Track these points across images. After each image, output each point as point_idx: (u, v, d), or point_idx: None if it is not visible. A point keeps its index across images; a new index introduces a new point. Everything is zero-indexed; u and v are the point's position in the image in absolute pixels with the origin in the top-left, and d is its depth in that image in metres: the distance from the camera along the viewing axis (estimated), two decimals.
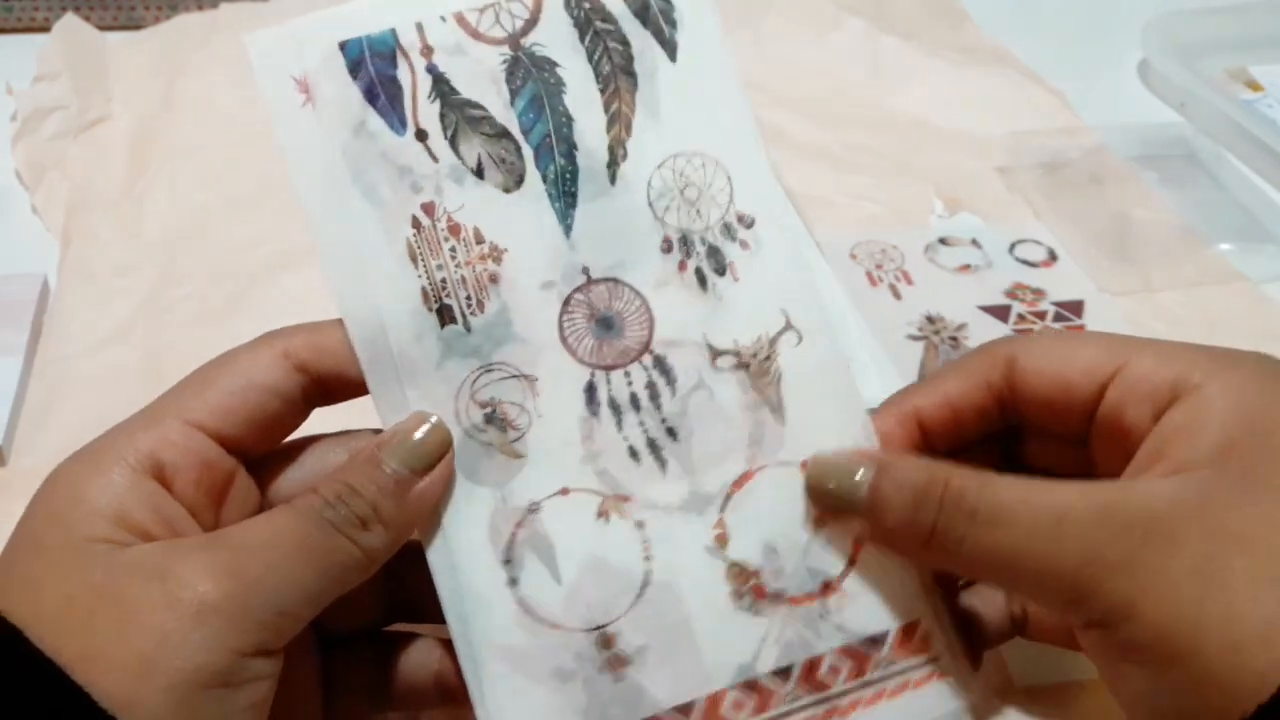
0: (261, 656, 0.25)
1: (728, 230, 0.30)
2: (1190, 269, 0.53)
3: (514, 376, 0.29)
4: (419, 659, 0.30)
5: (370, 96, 0.29)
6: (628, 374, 0.29)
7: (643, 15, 0.30)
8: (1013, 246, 0.54)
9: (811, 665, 0.29)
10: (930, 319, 0.50)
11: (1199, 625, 0.23)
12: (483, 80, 0.29)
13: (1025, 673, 0.35)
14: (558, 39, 0.29)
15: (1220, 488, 0.24)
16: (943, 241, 0.54)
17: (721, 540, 0.29)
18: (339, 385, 0.29)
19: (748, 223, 0.30)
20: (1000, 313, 0.50)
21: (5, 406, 0.43)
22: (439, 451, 0.28)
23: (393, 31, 0.29)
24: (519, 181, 0.29)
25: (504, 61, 0.29)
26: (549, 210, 0.29)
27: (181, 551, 0.25)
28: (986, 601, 0.31)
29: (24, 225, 0.53)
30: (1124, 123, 0.62)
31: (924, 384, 0.31)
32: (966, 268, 0.53)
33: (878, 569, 0.29)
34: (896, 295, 0.51)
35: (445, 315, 0.29)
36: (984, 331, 0.49)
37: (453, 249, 0.29)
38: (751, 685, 0.29)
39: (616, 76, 0.30)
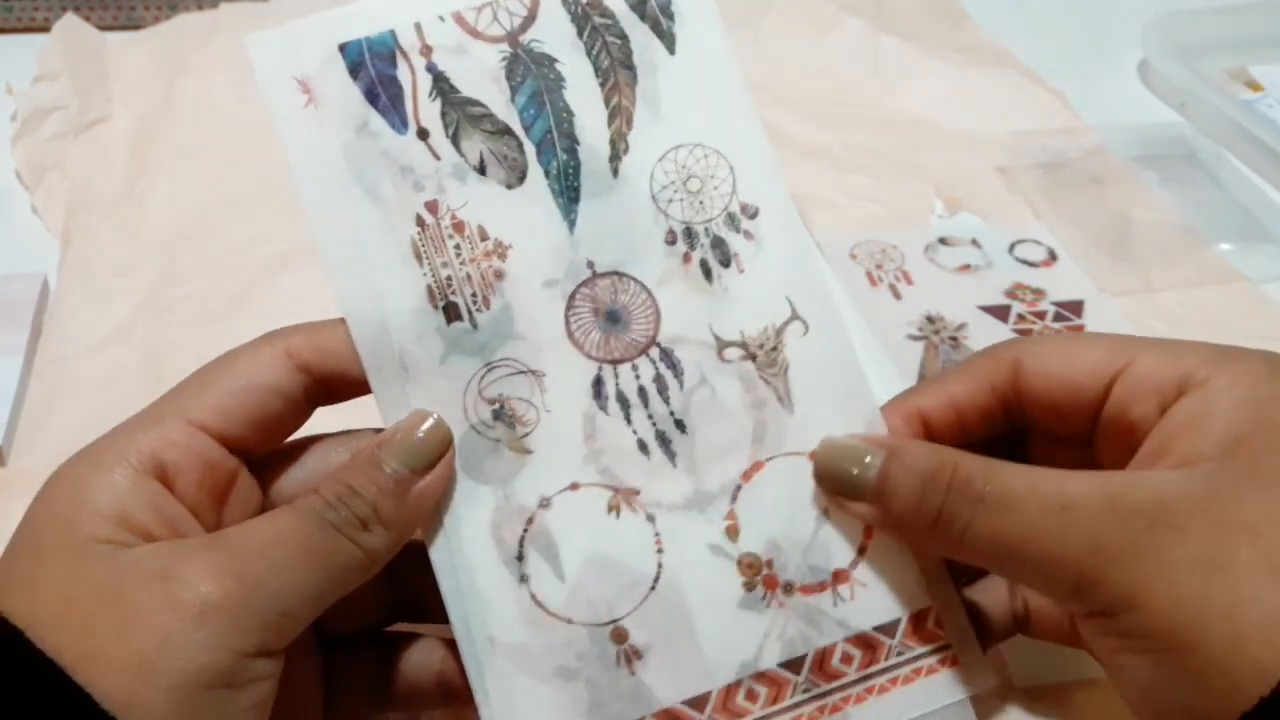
0: (263, 657, 0.25)
1: (731, 221, 0.30)
2: (1190, 269, 0.53)
3: (521, 372, 0.29)
4: (421, 659, 0.30)
5: (371, 97, 0.29)
6: (635, 368, 0.29)
7: (640, 9, 0.30)
8: (1013, 246, 0.54)
9: (824, 654, 0.29)
10: (930, 319, 0.50)
11: (1203, 615, 0.23)
12: (483, 78, 0.29)
13: (1025, 673, 0.35)
14: (556, 35, 0.30)
15: (1227, 480, 0.24)
16: (943, 241, 0.54)
17: (732, 532, 0.29)
18: (341, 384, 0.29)
19: (751, 213, 0.30)
20: (1000, 313, 0.50)
21: (5, 406, 0.43)
22: (439, 450, 0.28)
23: (392, 33, 0.29)
24: (521, 178, 0.29)
25: (503, 59, 0.29)
26: (552, 206, 0.29)
27: (183, 552, 0.25)
28: (989, 598, 0.31)
29: (24, 225, 0.53)
30: (1124, 123, 0.62)
31: (928, 386, 0.31)
32: (966, 268, 0.53)
33: (889, 557, 0.30)
34: (896, 295, 0.51)
35: (451, 312, 0.29)
36: (984, 331, 0.49)
37: (457, 246, 0.29)
38: (765, 676, 0.29)
39: (616, 71, 0.30)
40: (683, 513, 0.29)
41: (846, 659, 0.29)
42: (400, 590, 0.30)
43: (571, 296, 0.29)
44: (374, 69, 0.29)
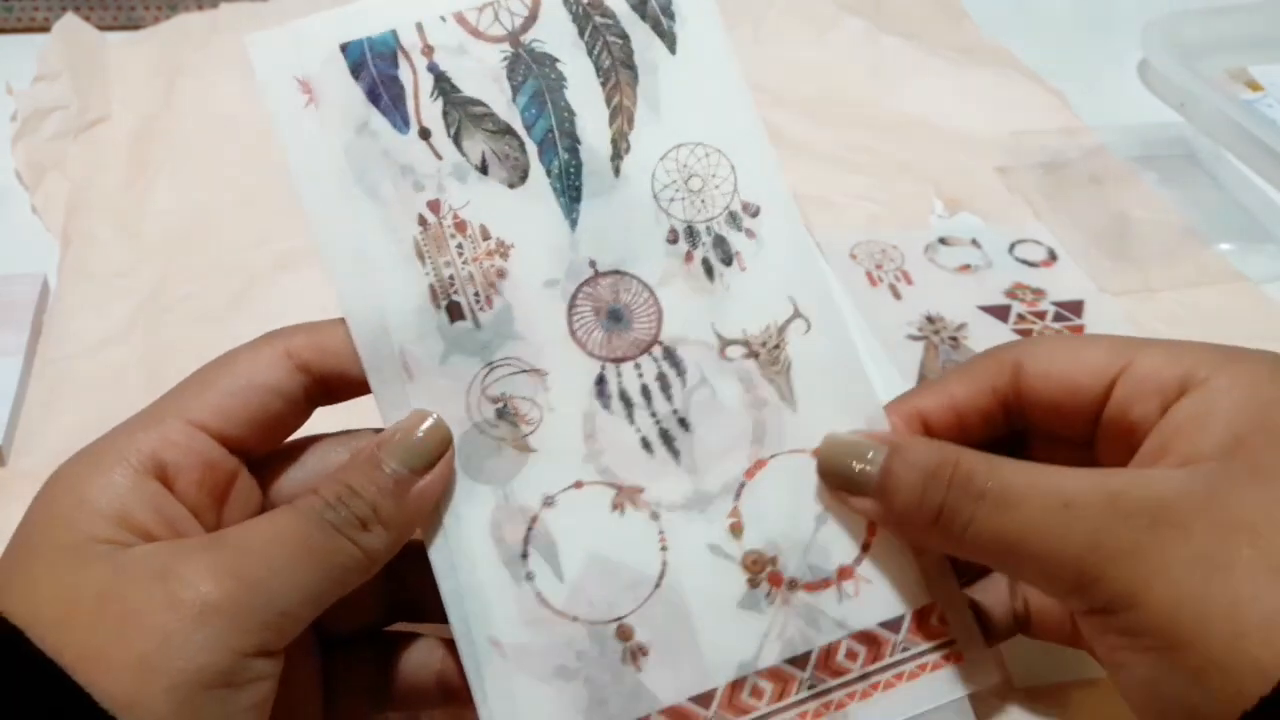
0: (263, 657, 0.25)
1: (733, 220, 0.30)
2: (1190, 269, 0.53)
3: (524, 371, 0.29)
4: (421, 659, 0.30)
5: (373, 97, 0.29)
6: (638, 366, 0.29)
7: (641, 9, 0.30)
8: (1013, 246, 0.54)
9: (829, 651, 0.29)
10: (930, 319, 0.50)
11: (1203, 613, 0.23)
12: (484, 78, 0.29)
13: (1025, 673, 0.35)
14: (557, 35, 0.30)
15: (1228, 480, 0.24)
16: (943, 241, 0.54)
17: (736, 529, 0.29)
18: (341, 384, 0.29)
19: (753, 211, 0.30)
20: (1000, 313, 0.50)
21: (5, 407, 0.43)
22: (439, 450, 0.28)
23: (393, 33, 0.29)
24: (523, 177, 0.29)
25: (505, 59, 0.29)
26: (554, 205, 0.29)
27: (183, 552, 0.25)
28: (990, 598, 0.31)
29: (24, 225, 0.53)
30: (1124, 123, 0.62)
31: (928, 388, 0.31)
32: (966, 268, 0.53)
33: (892, 554, 0.30)
34: (896, 295, 0.51)
35: (454, 312, 0.29)
36: (984, 331, 0.49)
37: (459, 246, 0.29)
38: (770, 672, 0.29)
39: (617, 70, 0.30)
40: (686, 511, 0.29)
41: (851, 655, 0.29)
42: (400, 590, 0.30)
43: (573, 296, 0.29)
44: (375, 69, 0.29)
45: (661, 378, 0.29)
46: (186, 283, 0.50)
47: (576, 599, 0.28)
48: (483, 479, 0.29)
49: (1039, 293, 0.51)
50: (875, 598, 0.29)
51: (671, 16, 0.30)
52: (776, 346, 0.30)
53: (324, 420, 0.30)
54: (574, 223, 0.29)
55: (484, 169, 0.29)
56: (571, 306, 0.29)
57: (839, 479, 0.29)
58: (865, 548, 0.30)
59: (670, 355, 0.30)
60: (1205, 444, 0.25)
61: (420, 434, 0.28)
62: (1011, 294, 0.51)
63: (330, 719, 0.30)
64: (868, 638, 0.29)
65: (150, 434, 0.26)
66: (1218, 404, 0.26)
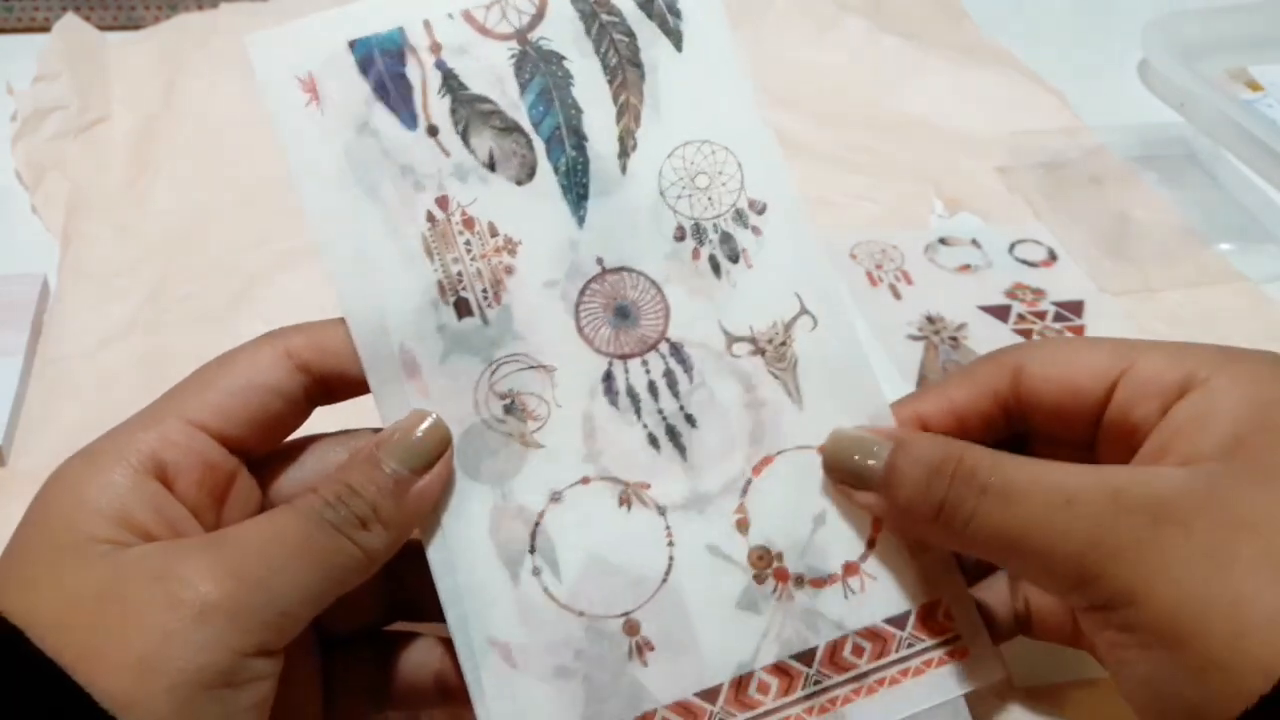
0: (263, 656, 0.24)
1: (739, 217, 0.30)
2: (1190, 269, 0.53)
3: (532, 367, 0.29)
4: (419, 658, 0.30)
5: (381, 93, 0.29)
6: (645, 362, 0.29)
7: (647, 7, 0.30)
8: (1013, 246, 0.54)
9: (835, 647, 0.29)
10: (930, 319, 0.50)
11: (1204, 610, 0.23)
12: (491, 75, 0.29)
13: (1025, 673, 0.35)
14: (564, 33, 0.30)
15: (1229, 478, 0.24)
16: (943, 241, 0.54)
17: (743, 525, 0.29)
18: (341, 384, 0.29)
19: (759, 208, 0.30)
20: (1000, 313, 0.50)
21: (5, 406, 0.43)
22: (438, 450, 0.28)
23: (400, 30, 0.29)
24: (531, 174, 0.29)
25: (512, 56, 0.29)
26: (561, 202, 0.29)
27: (183, 552, 0.25)
28: (991, 597, 0.31)
29: (24, 225, 0.53)
30: (1124, 123, 0.62)
31: (929, 391, 0.31)
32: (966, 268, 0.53)
33: (898, 550, 0.30)
34: (896, 295, 0.51)
35: (462, 308, 0.29)
36: (984, 331, 0.49)
37: (467, 242, 0.29)
38: (777, 668, 0.29)
39: (624, 68, 0.30)
40: (693, 507, 0.29)
41: (857, 651, 0.29)
42: (399, 590, 0.30)
43: (581, 292, 0.29)
44: (383, 66, 0.29)
45: (669, 374, 0.30)
46: (186, 283, 0.50)
47: (585, 593, 0.28)
48: (482, 478, 0.29)
49: (1039, 293, 0.51)
50: (880, 593, 0.29)
51: (678, 14, 0.30)
52: (783, 343, 0.30)
53: (324, 420, 0.30)
54: (581, 220, 0.29)
55: (492, 166, 0.29)
56: (579, 303, 0.29)
57: (844, 474, 0.29)
58: (871, 544, 0.30)
59: (677, 352, 0.30)
60: (1206, 444, 0.25)
61: (419, 434, 0.28)
62: (1011, 294, 0.51)
63: (330, 719, 0.30)
64: (874, 633, 0.29)
65: (150, 434, 0.26)
66: (1218, 404, 0.26)
